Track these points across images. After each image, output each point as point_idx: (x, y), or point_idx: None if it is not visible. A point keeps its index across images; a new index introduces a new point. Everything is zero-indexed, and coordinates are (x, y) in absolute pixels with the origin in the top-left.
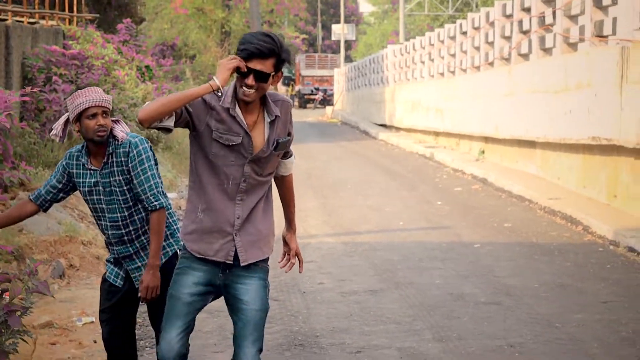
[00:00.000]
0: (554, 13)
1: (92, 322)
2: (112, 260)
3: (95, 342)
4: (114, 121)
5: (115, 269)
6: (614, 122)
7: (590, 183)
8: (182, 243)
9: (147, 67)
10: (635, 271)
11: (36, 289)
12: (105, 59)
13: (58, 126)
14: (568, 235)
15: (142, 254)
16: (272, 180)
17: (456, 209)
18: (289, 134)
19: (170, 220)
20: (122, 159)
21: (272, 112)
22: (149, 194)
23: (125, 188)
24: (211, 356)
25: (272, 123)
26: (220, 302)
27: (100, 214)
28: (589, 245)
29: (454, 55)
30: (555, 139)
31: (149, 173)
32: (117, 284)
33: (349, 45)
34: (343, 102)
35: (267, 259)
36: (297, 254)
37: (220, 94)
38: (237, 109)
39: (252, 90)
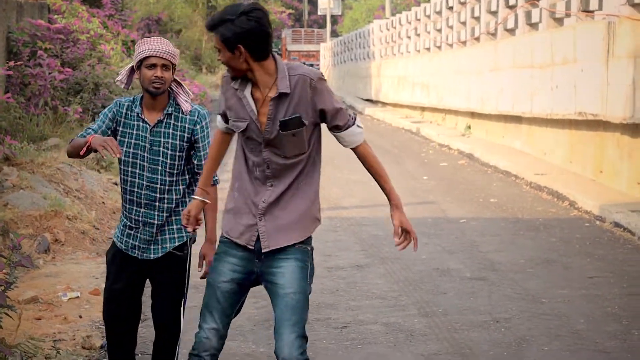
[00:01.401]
0: None
1: (78, 297)
2: (126, 228)
3: (80, 317)
4: (177, 83)
5: (131, 241)
6: (600, 98)
7: (576, 158)
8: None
9: (132, 41)
10: (621, 246)
11: (19, 262)
12: (90, 33)
13: (124, 72)
14: (554, 210)
15: (160, 233)
16: (317, 156)
17: (442, 184)
18: (322, 111)
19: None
20: (187, 125)
21: (279, 88)
22: None
23: (177, 154)
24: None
25: (277, 99)
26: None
27: (136, 170)
28: (574, 221)
29: (440, 30)
30: (542, 115)
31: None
32: (135, 255)
33: (335, 20)
34: (329, 77)
35: (306, 240)
36: (407, 231)
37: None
38: (248, 90)
39: (229, 69)
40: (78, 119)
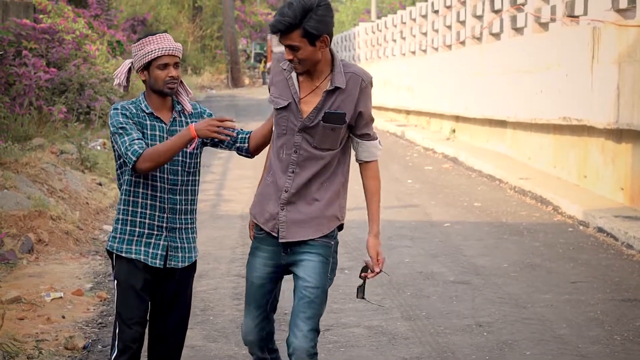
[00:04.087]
0: None
1: (61, 297)
2: (142, 237)
3: (63, 317)
4: (180, 82)
5: (151, 250)
6: (584, 103)
7: (560, 163)
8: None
9: (118, 42)
10: (604, 252)
11: (3, 256)
12: (76, 34)
13: (121, 74)
14: (538, 215)
15: (184, 235)
16: (343, 158)
17: (426, 187)
18: (360, 114)
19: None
20: (196, 119)
21: (334, 82)
22: None
23: (195, 151)
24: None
25: (330, 92)
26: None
27: (157, 174)
28: (558, 226)
29: (425, 34)
30: (526, 119)
31: None
32: (157, 265)
33: None
34: None
35: (330, 234)
36: (378, 260)
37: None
38: (294, 73)
39: (296, 63)
40: (62, 119)
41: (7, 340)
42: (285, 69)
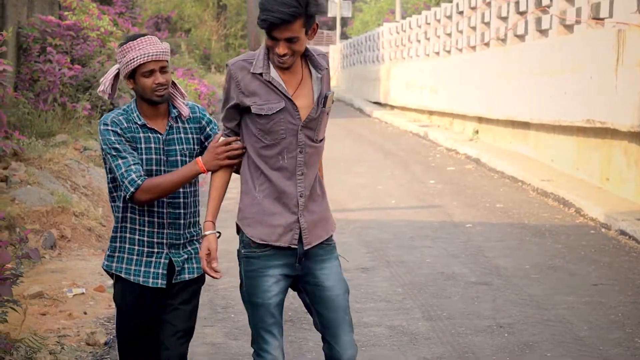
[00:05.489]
0: None
1: (83, 293)
2: (142, 256)
3: (85, 313)
4: (172, 83)
5: (152, 270)
6: (608, 105)
7: (583, 165)
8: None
9: None
10: (626, 254)
11: (26, 254)
12: (100, 31)
13: (106, 81)
14: (560, 217)
15: (189, 247)
16: None
17: (448, 188)
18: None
19: None
20: (195, 125)
21: (321, 65)
22: None
23: (190, 160)
24: (201, 330)
25: (322, 78)
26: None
27: None
28: (580, 228)
29: (450, 35)
30: (550, 121)
31: None
32: (158, 285)
33: (345, 22)
34: (338, 79)
35: (331, 236)
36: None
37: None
38: (273, 72)
39: (287, 57)
40: (86, 116)
41: (29, 335)
42: (261, 73)
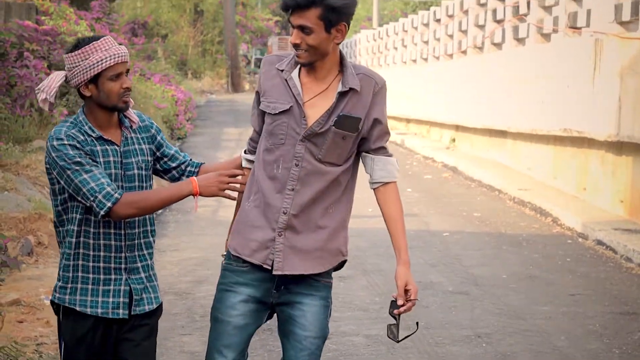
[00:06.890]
0: (528, 3)
1: None
2: (98, 285)
3: None
4: None
5: (112, 299)
6: (585, 115)
7: (560, 174)
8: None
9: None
10: (603, 264)
11: (5, 263)
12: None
13: (51, 90)
14: (537, 226)
15: (146, 272)
16: (349, 184)
17: (425, 196)
18: (374, 122)
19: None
20: (146, 135)
21: (347, 83)
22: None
23: (149, 172)
24: (178, 339)
25: (343, 94)
26: (187, 283)
27: None
28: (557, 237)
29: (427, 42)
30: (527, 130)
31: None
32: (119, 316)
33: None
34: None
35: (330, 272)
36: (407, 292)
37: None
38: (295, 73)
39: (301, 51)
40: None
41: (7, 343)
42: (283, 70)
